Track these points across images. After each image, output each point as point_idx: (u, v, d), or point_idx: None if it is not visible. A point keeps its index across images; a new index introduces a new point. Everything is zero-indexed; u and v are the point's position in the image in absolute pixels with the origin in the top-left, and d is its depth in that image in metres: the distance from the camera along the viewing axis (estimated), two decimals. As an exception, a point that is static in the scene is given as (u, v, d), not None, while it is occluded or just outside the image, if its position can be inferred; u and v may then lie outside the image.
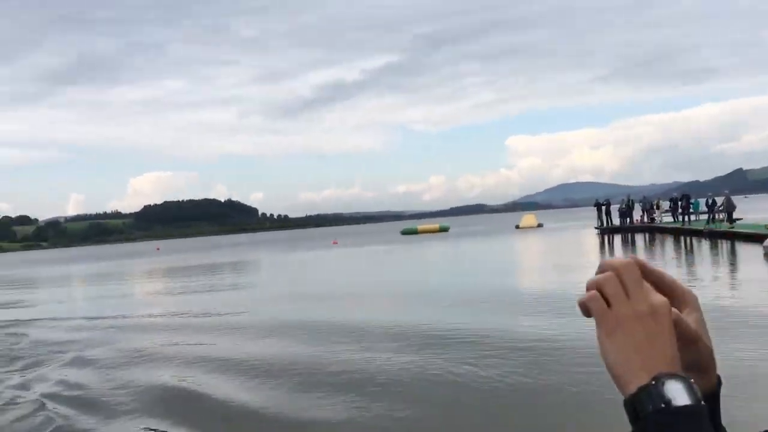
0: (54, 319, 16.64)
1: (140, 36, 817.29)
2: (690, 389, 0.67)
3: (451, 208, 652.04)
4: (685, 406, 0.65)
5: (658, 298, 0.71)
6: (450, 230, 62.63)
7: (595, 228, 38.76)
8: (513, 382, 7.32)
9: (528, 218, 59.85)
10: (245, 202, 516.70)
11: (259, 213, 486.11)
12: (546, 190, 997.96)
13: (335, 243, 55.93)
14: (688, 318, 0.75)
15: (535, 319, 11.03)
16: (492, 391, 7.10)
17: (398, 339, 10.17)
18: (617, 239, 32.92)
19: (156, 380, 8.97)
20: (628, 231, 36.54)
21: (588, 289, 0.72)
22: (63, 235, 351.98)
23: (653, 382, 0.66)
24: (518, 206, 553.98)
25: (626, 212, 38.17)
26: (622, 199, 38.79)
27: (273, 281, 25.59)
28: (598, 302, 0.71)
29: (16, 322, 16.16)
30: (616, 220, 38.38)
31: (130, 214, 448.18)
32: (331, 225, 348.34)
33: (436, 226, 66.99)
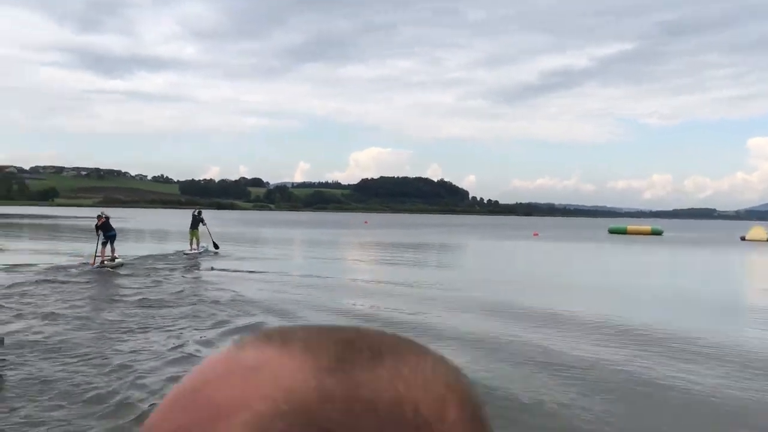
0: (266, 272, 18.29)
1: (374, 17, 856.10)
2: None
3: (674, 210, 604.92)
4: None
5: None
6: (663, 234, 58.41)
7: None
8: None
9: (757, 230, 53.75)
10: (457, 184, 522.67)
11: (470, 196, 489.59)
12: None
13: (536, 235, 54.89)
14: None
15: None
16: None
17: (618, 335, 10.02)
18: None
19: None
20: None
21: None
22: (288, 199, 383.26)
23: None
24: (753, 214, 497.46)
25: None
26: None
27: (467, 264, 25.89)
28: None
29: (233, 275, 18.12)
30: None
31: (349, 185, 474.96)
32: (541, 215, 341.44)
33: (648, 228, 62.78)
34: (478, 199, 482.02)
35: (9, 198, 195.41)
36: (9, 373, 6.89)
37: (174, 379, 6.66)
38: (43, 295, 12.58)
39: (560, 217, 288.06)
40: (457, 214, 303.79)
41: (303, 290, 14.88)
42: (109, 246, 19.88)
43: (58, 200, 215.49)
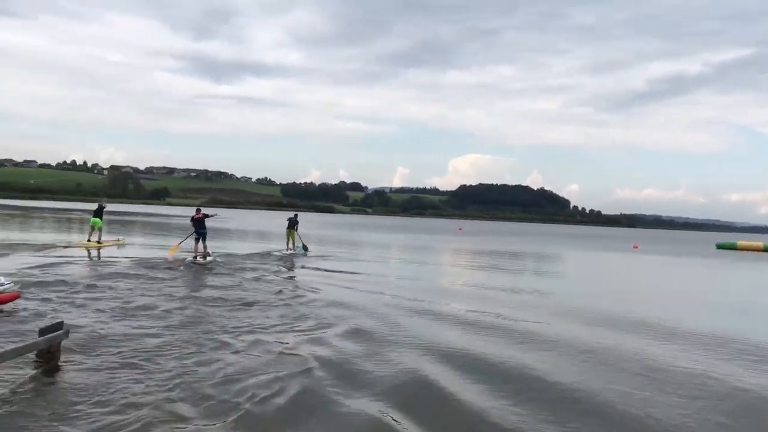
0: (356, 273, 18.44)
1: (477, 22, 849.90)
2: None
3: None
4: None
5: None
6: (779, 251, 54.69)
7: None
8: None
9: None
10: (558, 193, 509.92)
11: (571, 205, 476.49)
12: None
13: (636, 247, 52.89)
14: None
15: None
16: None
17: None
18: None
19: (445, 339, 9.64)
20: None
21: None
22: (386, 204, 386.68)
23: None
24: None
25: None
26: None
27: (562, 273, 25.39)
28: None
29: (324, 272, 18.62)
30: None
31: (447, 192, 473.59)
32: (645, 227, 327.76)
33: (760, 244, 58.94)
34: (580, 208, 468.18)
35: (125, 196, 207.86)
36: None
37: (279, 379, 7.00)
38: (129, 289, 12.99)
39: (666, 230, 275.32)
40: (557, 223, 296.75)
41: (398, 292, 15.03)
42: (201, 243, 21.19)
43: (169, 200, 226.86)
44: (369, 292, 14.86)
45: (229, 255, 22.97)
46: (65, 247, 23.09)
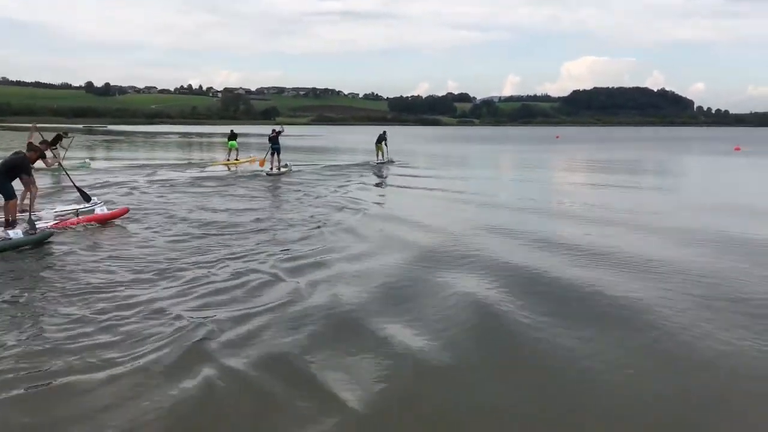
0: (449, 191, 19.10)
1: None
2: None
3: None
4: None
5: None
6: None
7: None
8: None
9: None
10: (681, 93, 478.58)
11: (695, 106, 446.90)
12: None
13: (737, 149, 49.75)
14: None
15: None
16: None
17: None
18: None
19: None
20: None
21: None
22: (494, 114, 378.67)
23: None
24: None
25: None
26: None
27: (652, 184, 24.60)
28: None
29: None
30: None
31: (559, 98, 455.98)
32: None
33: None
34: (705, 109, 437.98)
35: (236, 118, 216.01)
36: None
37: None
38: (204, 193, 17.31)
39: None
40: (676, 126, 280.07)
41: (472, 209, 15.26)
42: (276, 156, 24.58)
43: (278, 119, 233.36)
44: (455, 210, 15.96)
45: (326, 166, 28.10)
46: (212, 164, 29.45)
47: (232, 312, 6.62)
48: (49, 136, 19.04)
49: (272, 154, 24.60)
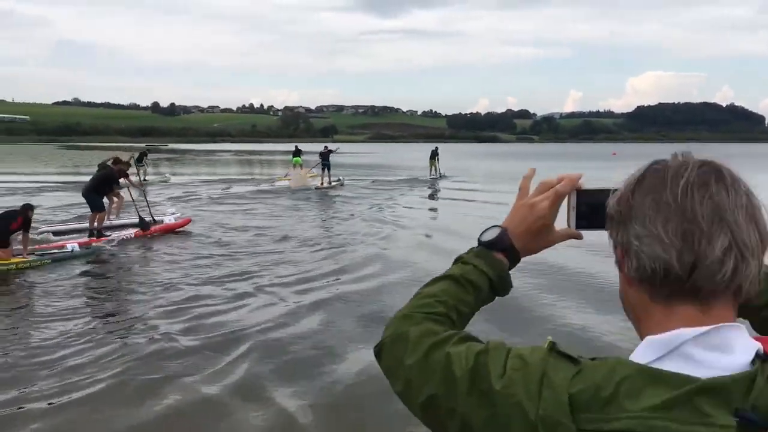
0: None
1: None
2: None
3: None
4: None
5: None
6: None
7: None
8: None
9: None
10: (752, 109, 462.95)
11: (766, 122, 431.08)
12: None
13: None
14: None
15: None
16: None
17: None
18: None
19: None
20: None
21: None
22: (555, 130, 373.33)
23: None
24: None
25: None
26: None
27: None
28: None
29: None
30: None
31: (622, 114, 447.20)
32: None
33: None
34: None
35: (296, 135, 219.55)
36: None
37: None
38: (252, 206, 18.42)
39: None
40: (747, 142, 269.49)
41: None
42: (326, 171, 25.73)
43: (336, 137, 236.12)
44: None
45: (375, 181, 29.81)
46: (279, 179, 30.50)
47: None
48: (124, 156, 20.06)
49: (323, 170, 25.77)
